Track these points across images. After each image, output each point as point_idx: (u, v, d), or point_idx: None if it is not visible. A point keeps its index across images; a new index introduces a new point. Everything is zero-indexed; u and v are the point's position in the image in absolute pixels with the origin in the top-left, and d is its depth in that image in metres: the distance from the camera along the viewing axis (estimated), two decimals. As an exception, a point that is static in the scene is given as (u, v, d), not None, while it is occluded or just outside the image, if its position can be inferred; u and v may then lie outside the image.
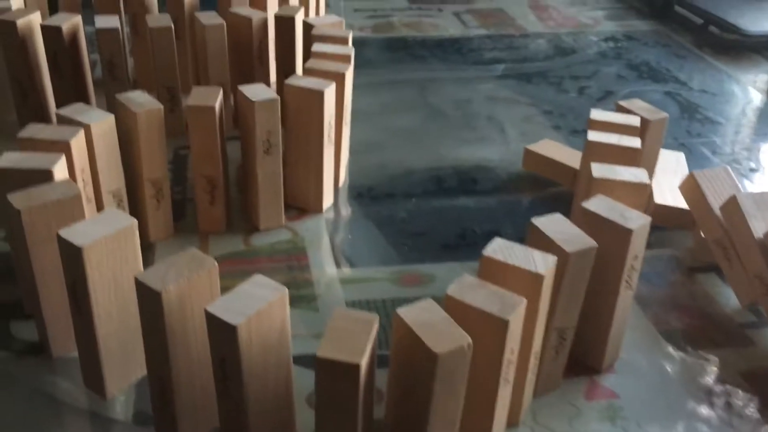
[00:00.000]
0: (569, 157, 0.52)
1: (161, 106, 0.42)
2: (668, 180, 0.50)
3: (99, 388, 0.33)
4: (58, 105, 0.54)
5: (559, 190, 0.52)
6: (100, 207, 0.40)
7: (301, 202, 0.48)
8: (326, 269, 0.43)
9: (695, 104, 0.66)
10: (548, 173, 0.52)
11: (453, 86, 0.67)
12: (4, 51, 0.52)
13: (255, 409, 0.28)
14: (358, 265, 0.43)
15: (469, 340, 0.27)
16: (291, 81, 0.45)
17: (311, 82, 0.44)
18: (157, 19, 0.53)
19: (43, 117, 0.54)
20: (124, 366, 0.34)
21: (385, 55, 0.73)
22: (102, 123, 0.39)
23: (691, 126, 0.62)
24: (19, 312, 0.38)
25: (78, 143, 0.38)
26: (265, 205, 0.45)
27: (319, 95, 0.44)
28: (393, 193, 0.51)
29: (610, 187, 0.37)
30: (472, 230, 0.47)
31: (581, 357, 0.36)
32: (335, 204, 0.49)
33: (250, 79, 0.55)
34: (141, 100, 0.42)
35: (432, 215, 0.48)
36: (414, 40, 0.78)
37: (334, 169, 0.49)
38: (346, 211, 0.49)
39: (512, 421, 0.33)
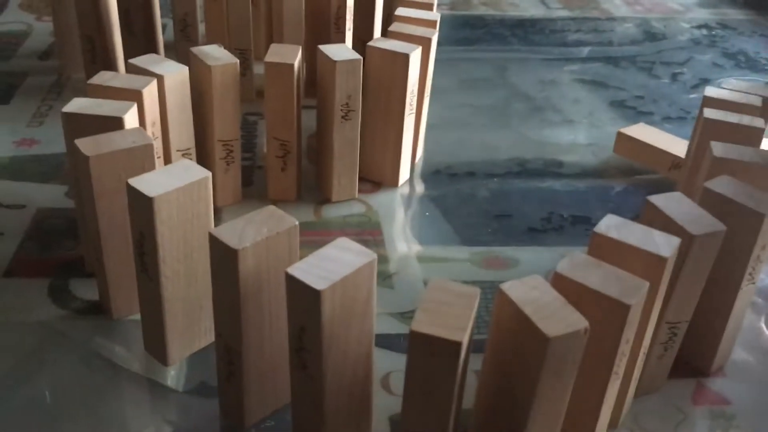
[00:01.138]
0: (667, 142, 0.48)
1: (237, 61, 0.39)
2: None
3: (161, 353, 0.31)
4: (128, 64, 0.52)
5: (654, 177, 0.47)
6: (168, 165, 0.38)
7: (376, 175, 0.45)
8: (402, 246, 0.40)
9: (800, 96, 0.61)
10: (642, 159, 0.48)
11: (536, 67, 0.63)
12: (76, 5, 0.50)
13: (332, 385, 0.25)
14: (436, 244, 0.40)
15: (587, 324, 0.23)
16: (374, 43, 0.42)
17: (396, 45, 0.41)
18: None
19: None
20: (189, 332, 0.31)
21: (464, 32, 0.70)
22: (176, 74, 0.37)
23: (796, 119, 0.57)
24: (79, 270, 0.36)
25: (150, 93, 0.35)
26: (339, 175, 0.42)
27: (404, 59, 0.41)
28: (473, 171, 0.47)
29: (732, 169, 0.33)
30: (560, 215, 0.43)
31: (688, 356, 0.32)
32: (411, 179, 0.46)
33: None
34: (217, 54, 0.39)
35: (516, 197, 0.45)
36: (493, 18, 0.74)
37: (413, 142, 0.46)
38: (422, 187, 0.45)
39: (612, 423, 0.29)
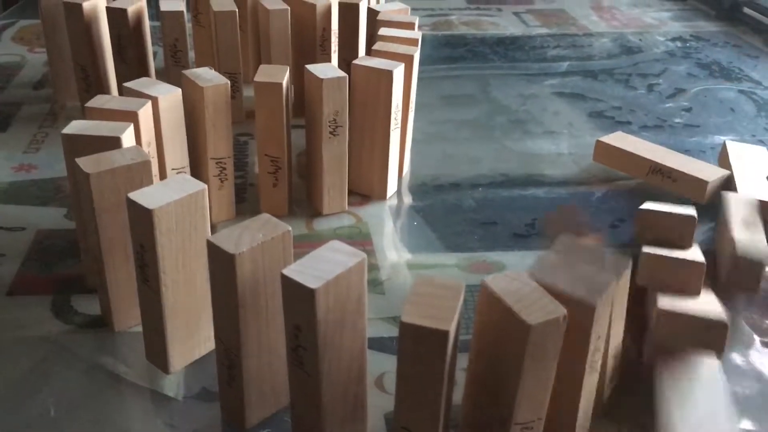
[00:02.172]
0: (644, 149, 0.50)
1: (228, 82, 0.41)
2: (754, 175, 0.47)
3: (162, 362, 0.32)
4: (120, 91, 0.54)
5: (633, 183, 0.49)
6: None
7: (364, 189, 0.46)
8: (392, 254, 0.41)
9: (772, 102, 0.63)
10: (620, 166, 0.50)
11: (516, 82, 0.65)
12: (69, 36, 0.52)
13: (329, 381, 0.27)
14: (424, 252, 0.42)
15: (565, 312, 0.25)
16: (359, 61, 0.43)
17: (380, 63, 0.43)
18: (221, 3, 0.52)
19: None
20: (189, 340, 0.32)
21: (445, 51, 0.72)
22: (170, 96, 0.38)
23: (768, 124, 0.60)
24: (81, 286, 0.37)
25: (146, 114, 0.37)
26: (329, 189, 0.44)
27: (388, 75, 0.42)
28: (458, 182, 0.49)
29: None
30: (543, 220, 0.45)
31: None
32: (398, 192, 0.48)
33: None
34: (208, 76, 0.41)
35: (500, 205, 0.46)
36: (474, 37, 0.76)
37: (399, 156, 0.47)
38: (409, 199, 0.47)
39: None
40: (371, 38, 0.54)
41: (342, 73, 0.41)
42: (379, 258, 0.41)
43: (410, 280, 0.39)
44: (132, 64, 0.52)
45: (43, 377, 0.32)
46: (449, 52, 0.72)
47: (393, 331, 0.35)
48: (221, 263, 0.27)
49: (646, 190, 0.48)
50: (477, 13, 0.84)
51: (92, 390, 0.32)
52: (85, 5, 0.50)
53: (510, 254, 0.42)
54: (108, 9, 0.50)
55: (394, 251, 0.41)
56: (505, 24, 0.81)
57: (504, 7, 0.86)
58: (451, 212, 0.45)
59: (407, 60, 0.45)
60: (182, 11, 0.51)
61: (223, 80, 0.41)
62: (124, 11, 0.50)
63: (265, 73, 0.42)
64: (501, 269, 0.40)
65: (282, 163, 0.43)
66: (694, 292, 0.33)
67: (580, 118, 0.59)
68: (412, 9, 0.84)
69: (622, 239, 0.44)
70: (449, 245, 0.42)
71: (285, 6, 0.52)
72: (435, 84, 0.59)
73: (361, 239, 0.42)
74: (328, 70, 0.41)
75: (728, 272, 0.36)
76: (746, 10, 0.84)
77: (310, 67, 0.42)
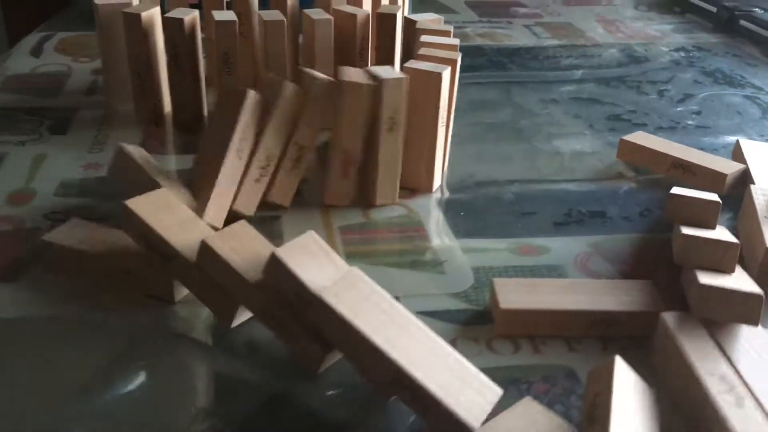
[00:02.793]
0: (664, 146, 0.54)
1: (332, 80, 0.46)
2: None
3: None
4: (173, 96, 0.57)
5: (656, 177, 0.53)
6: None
7: (412, 182, 0.50)
8: (445, 240, 0.45)
9: (775, 106, 0.68)
10: (643, 162, 0.54)
11: (536, 88, 0.70)
12: (127, 44, 0.55)
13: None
14: (474, 237, 0.45)
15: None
16: (410, 64, 0.47)
17: (429, 66, 0.47)
18: (270, 14, 0.56)
19: (157, 108, 0.57)
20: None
21: (466, 61, 0.76)
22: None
23: (774, 125, 0.64)
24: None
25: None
26: (383, 182, 0.47)
27: (437, 77, 0.46)
28: (495, 178, 0.53)
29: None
30: (578, 210, 0.49)
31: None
32: (441, 186, 0.51)
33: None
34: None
35: (536, 198, 0.50)
36: (491, 48, 0.80)
37: (443, 152, 0.51)
38: (453, 193, 0.51)
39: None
40: (407, 46, 0.58)
41: (401, 74, 0.45)
42: (433, 242, 0.44)
43: (466, 262, 0.43)
44: (185, 71, 0.56)
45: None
46: (470, 62, 0.76)
47: (457, 305, 0.39)
48: None
49: (668, 184, 0.52)
50: (490, 25, 0.88)
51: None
52: (143, 15, 0.54)
53: (553, 239, 0.45)
54: (166, 19, 0.54)
55: (446, 237, 0.45)
56: (517, 36, 0.85)
57: (514, 20, 0.91)
58: (492, 204, 0.49)
59: (452, 63, 0.49)
60: (235, 21, 0.54)
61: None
62: (180, 21, 0.54)
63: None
64: (547, 252, 0.44)
65: (355, 157, 0.46)
66: (729, 270, 0.37)
67: (599, 120, 0.63)
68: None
69: (650, 225, 0.47)
70: (496, 232, 0.46)
71: (329, 16, 0.56)
72: (461, 90, 0.63)
73: (414, 227, 0.46)
74: (388, 71, 0.45)
75: (760, 264, 0.40)
76: (742, 22, 0.89)
77: (371, 68, 0.46)
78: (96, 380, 0.33)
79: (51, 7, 0.87)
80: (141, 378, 0.34)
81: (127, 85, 0.58)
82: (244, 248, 0.36)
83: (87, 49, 0.72)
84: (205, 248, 0.35)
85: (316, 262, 0.34)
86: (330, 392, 0.33)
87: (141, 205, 0.37)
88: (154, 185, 0.42)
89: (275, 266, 0.33)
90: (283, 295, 0.34)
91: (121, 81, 0.58)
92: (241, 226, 0.37)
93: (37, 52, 0.71)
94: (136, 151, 0.45)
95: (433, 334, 0.32)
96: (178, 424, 0.31)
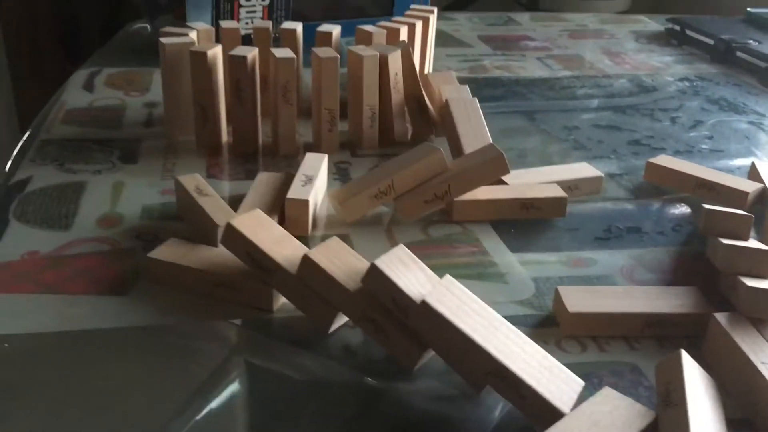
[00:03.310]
0: (688, 168, 0.59)
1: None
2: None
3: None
4: (234, 127, 0.62)
5: (683, 196, 0.58)
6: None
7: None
8: (503, 254, 0.49)
9: (778, 131, 0.74)
10: (670, 182, 0.59)
11: (559, 116, 0.75)
12: (192, 79, 0.60)
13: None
14: (528, 251, 0.50)
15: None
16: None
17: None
18: (325, 51, 0.61)
19: (218, 137, 0.62)
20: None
21: (488, 91, 0.81)
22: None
23: (779, 148, 0.70)
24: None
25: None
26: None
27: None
28: (535, 199, 0.57)
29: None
30: (617, 227, 0.54)
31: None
32: (488, 207, 0.56)
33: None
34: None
35: (578, 216, 0.55)
36: (509, 79, 0.86)
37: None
38: (499, 212, 0.55)
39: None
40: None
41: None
42: (493, 256, 0.49)
43: (525, 273, 0.47)
44: (246, 104, 0.60)
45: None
46: (491, 92, 0.81)
47: (523, 311, 0.43)
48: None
49: (694, 202, 0.57)
50: (504, 58, 0.94)
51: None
52: (209, 53, 0.59)
53: (598, 252, 0.50)
54: (231, 56, 0.59)
55: (502, 251, 0.50)
56: (532, 68, 0.90)
57: (526, 53, 0.96)
58: (538, 222, 0.54)
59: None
60: (293, 58, 0.59)
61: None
62: (244, 58, 0.58)
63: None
64: (594, 264, 0.49)
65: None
66: (766, 275, 0.42)
67: (622, 145, 0.68)
68: (447, 55, 0.94)
69: (683, 239, 0.52)
70: (545, 246, 0.51)
71: (376, 52, 0.61)
72: (488, 119, 0.67)
73: (471, 243, 0.50)
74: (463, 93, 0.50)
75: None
76: (739, 54, 0.95)
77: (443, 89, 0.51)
78: (205, 382, 0.37)
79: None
80: (243, 383, 0.37)
81: (187, 117, 0.62)
82: (341, 261, 0.40)
83: (134, 84, 0.77)
84: (306, 261, 0.39)
85: (409, 271, 0.38)
86: (426, 385, 0.37)
87: (243, 224, 0.42)
88: (201, 211, 0.46)
89: (375, 275, 0.37)
90: (381, 301, 0.38)
91: (183, 113, 0.63)
92: (335, 242, 0.41)
93: (89, 86, 0.75)
94: (193, 179, 0.50)
95: (520, 333, 0.36)
96: (280, 428, 0.35)
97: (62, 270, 0.45)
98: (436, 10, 0.77)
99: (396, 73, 0.63)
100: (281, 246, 0.42)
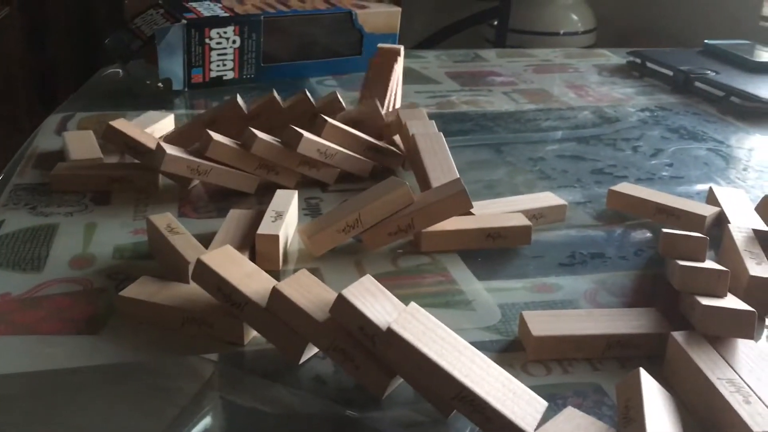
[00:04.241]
0: (648, 195, 0.61)
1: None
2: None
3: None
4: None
5: (643, 221, 0.60)
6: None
7: (432, 235, 0.56)
8: (470, 283, 0.51)
9: (736, 157, 0.76)
10: (631, 209, 0.61)
11: (523, 148, 0.77)
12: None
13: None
14: (493, 279, 0.51)
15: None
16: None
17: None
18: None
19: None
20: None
21: (456, 126, 0.83)
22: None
23: (738, 174, 0.72)
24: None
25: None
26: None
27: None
28: (502, 228, 0.59)
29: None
30: (580, 252, 0.55)
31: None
32: (456, 237, 0.57)
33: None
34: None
35: (542, 243, 0.56)
36: (476, 113, 0.88)
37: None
38: (466, 242, 0.56)
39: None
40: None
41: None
42: (461, 284, 0.50)
43: (492, 300, 0.48)
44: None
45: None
46: (459, 126, 0.83)
47: (490, 337, 0.45)
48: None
49: (655, 227, 0.59)
50: (471, 93, 0.96)
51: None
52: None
53: (562, 278, 0.51)
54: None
55: (471, 280, 0.51)
56: (498, 102, 0.93)
57: (493, 88, 0.99)
58: (505, 251, 0.55)
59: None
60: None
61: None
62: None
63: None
64: (559, 289, 0.50)
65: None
66: (722, 294, 0.43)
67: (585, 175, 0.70)
68: (415, 92, 0.97)
69: (644, 263, 0.54)
70: (511, 274, 0.52)
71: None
72: (456, 152, 0.69)
73: (440, 272, 0.52)
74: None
75: (745, 289, 0.46)
76: (698, 84, 0.99)
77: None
78: (179, 417, 0.38)
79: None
80: (217, 418, 0.38)
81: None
82: (309, 292, 0.41)
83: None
84: (275, 293, 0.40)
85: (376, 300, 0.39)
86: (397, 413, 0.38)
87: (213, 259, 0.42)
88: (173, 249, 0.47)
89: (342, 305, 0.38)
90: (349, 330, 0.39)
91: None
92: (304, 274, 0.42)
93: (61, 130, 0.76)
94: (164, 218, 0.51)
95: (484, 357, 0.37)
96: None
97: (35, 311, 0.45)
98: (402, 48, 0.80)
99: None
100: (251, 280, 0.43)
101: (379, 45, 0.82)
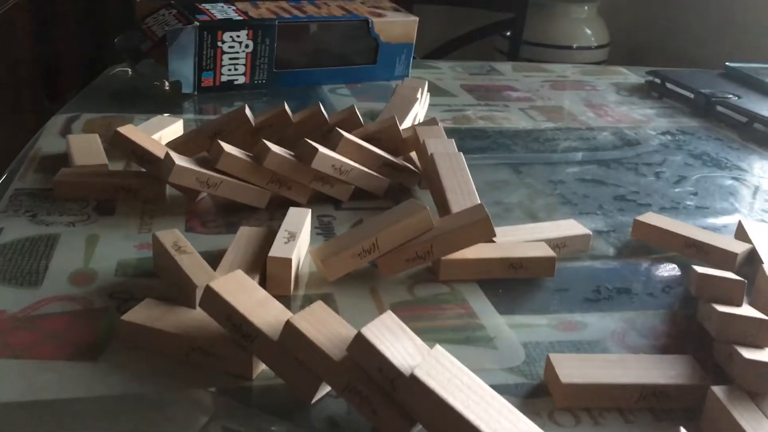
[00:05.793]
0: (676, 226, 0.58)
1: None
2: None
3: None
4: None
5: (671, 255, 0.57)
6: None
7: (450, 262, 0.53)
8: (491, 316, 0.48)
9: (762, 188, 0.74)
10: (658, 241, 0.58)
11: (542, 169, 0.74)
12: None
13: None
14: (516, 314, 0.48)
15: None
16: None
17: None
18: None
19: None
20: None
21: (474, 143, 0.81)
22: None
23: (764, 205, 0.69)
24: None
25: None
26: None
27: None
28: (522, 256, 0.56)
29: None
30: (606, 287, 0.53)
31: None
32: (475, 265, 0.54)
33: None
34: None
35: (566, 274, 0.54)
36: (493, 130, 0.85)
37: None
38: (486, 271, 0.54)
39: None
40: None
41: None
42: (481, 318, 0.47)
43: (515, 337, 0.46)
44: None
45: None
46: (476, 143, 0.80)
47: (514, 380, 0.42)
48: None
49: (682, 262, 0.56)
50: (488, 108, 0.94)
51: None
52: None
53: (588, 315, 0.49)
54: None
55: (492, 314, 0.48)
56: (516, 119, 0.90)
57: (510, 104, 0.96)
58: (526, 282, 0.52)
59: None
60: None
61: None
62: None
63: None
64: (585, 327, 0.47)
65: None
66: (764, 344, 0.41)
67: (607, 201, 0.68)
68: (431, 104, 0.94)
69: (673, 301, 0.51)
70: (534, 308, 0.49)
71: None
72: (474, 171, 0.66)
73: (460, 303, 0.49)
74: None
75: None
76: (719, 108, 0.96)
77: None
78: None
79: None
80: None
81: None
82: (325, 327, 0.38)
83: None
84: (289, 328, 0.38)
85: (397, 340, 0.37)
86: (415, 464, 0.35)
87: (223, 286, 0.40)
88: (180, 270, 0.45)
89: (361, 344, 0.36)
90: (367, 371, 0.36)
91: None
92: (319, 306, 0.40)
93: (65, 132, 0.73)
94: (171, 235, 0.48)
95: (513, 408, 0.35)
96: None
97: (30, 332, 0.43)
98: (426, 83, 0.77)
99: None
100: (263, 310, 0.40)
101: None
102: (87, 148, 0.65)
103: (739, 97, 0.97)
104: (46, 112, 0.79)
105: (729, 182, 0.74)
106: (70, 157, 0.63)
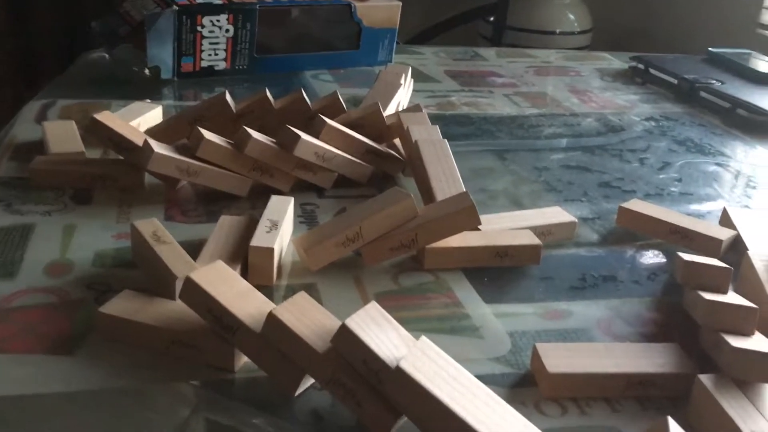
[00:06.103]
0: (660, 213, 0.58)
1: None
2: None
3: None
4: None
5: (656, 242, 0.57)
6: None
7: (435, 250, 0.53)
8: (477, 305, 0.47)
9: (745, 173, 0.74)
10: (642, 228, 0.58)
11: (527, 156, 0.74)
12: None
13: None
14: (501, 303, 0.48)
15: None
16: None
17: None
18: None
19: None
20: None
21: (458, 129, 0.80)
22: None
23: (747, 191, 0.69)
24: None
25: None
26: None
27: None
28: (507, 244, 0.56)
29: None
30: (591, 275, 0.52)
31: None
32: (460, 253, 0.54)
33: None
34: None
35: (551, 262, 0.53)
36: (477, 117, 0.85)
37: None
38: (471, 259, 0.53)
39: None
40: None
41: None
42: (466, 308, 0.47)
43: (501, 327, 0.45)
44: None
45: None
46: (460, 130, 0.80)
47: (500, 369, 0.41)
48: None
49: (667, 249, 0.56)
50: (472, 94, 0.93)
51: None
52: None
53: (574, 303, 0.48)
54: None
55: (477, 303, 0.48)
56: (500, 105, 0.90)
57: (494, 90, 0.96)
58: (512, 270, 0.52)
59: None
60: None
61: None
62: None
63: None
64: (571, 315, 0.47)
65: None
66: (749, 333, 0.41)
67: (592, 187, 0.67)
68: (414, 90, 0.93)
69: (659, 289, 0.51)
70: (520, 297, 0.49)
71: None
72: (458, 158, 0.65)
73: (445, 292, 0.48)
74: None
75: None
76: (703, 93, 0.96)
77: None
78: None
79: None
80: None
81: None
82: (308, 319, 0.37)
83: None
84: (272, 319, 0.37)
85: (382, 332, 0.36)
86: (401, 457, 0.35)
87: (204, 277, 0.39)
88: (159, 261, 0.44)
89: (345, 335, 0.35)
90: (352, 363, 0.35)
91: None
92: (302, 297, 0.39)
93: (41, 119, 0.72)
94: (150, 225, 0.47)
95: (499, 399, 0.34)
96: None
97: (4, 324, 0.41)
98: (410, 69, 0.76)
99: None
100: (244, 301, 0.39)
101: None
102: (63, 135, 0.63)
103: (722, 83, 0.97)
104: (25, 100, 0.77)
105: (712, 168, 0.74)
106: (46, 145, 0.62)
